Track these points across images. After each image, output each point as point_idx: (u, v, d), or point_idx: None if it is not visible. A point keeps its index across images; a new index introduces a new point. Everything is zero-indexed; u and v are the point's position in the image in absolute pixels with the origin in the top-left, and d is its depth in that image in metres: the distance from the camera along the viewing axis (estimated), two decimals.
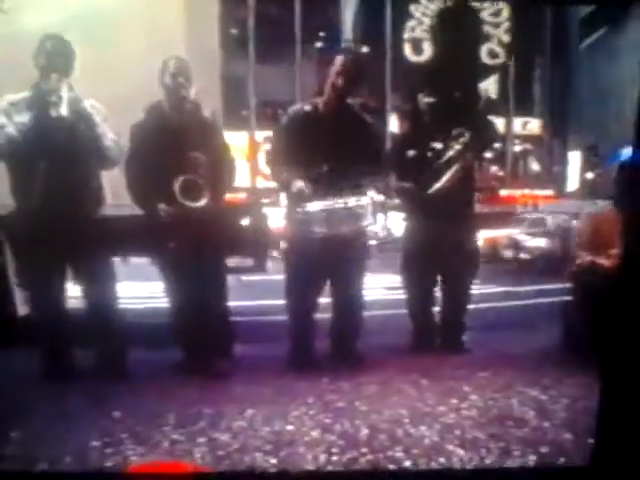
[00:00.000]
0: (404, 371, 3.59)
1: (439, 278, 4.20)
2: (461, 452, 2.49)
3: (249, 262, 5.66)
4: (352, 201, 3.50)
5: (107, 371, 3.47)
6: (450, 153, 3.97)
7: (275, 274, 4.39)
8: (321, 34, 19.88)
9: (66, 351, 3.53)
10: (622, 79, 18.33)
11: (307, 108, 3.66)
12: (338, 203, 3.49)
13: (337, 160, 3.51)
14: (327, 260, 3.59)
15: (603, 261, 3.81)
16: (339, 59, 3.61)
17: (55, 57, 3.32)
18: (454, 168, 3.96)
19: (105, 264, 3.57)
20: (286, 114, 3.72)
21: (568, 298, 4.12)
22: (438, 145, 4.00)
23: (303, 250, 3.59)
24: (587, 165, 19.43)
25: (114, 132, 3.47)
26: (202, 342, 3.58)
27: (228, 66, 18.00)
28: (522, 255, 12.67)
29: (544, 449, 2.50)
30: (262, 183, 14.93)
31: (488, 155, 4.15)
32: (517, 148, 21.10)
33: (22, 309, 4.00)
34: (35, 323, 3.53)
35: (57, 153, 3.28)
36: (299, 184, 3.49)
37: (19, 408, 2.89)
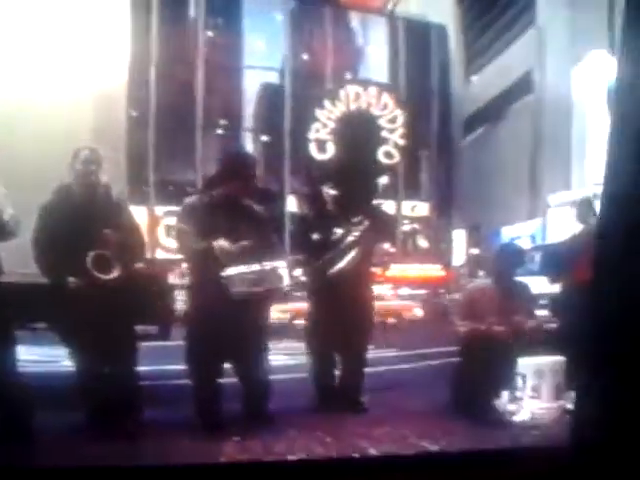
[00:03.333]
0: (310, 430, 3.80)
1: (339, 346, 4.52)
2: None
3: (154, 330, 5.73)
4: (268, 264, 3.81)
5: (11, 433, 3.44)
6: (350, 238, 4.42)
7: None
8: (222, 121, 20.63)
9: None
10: (499, 169, 20.44)
11: (204, 199, 4.00)
12: (255, 266, 3.77)
13: (233, 241, 3.79)
14: (234, 325, 3.76)
15: (480, 328, 4.27)
16: (232, 163, 4.03)
17: None
18: (354, 251, 4.41)
19: (4, 330, 3.61)
20: (186, 202, 4.03)
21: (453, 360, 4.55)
22: (340, 230, 4.45)
23: (212, 314, 3.76)
24: (471, 242, 21.03)
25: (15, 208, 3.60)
26: (109, 404, 3.67)
27: (132, 148, 18.24)
28: None
29: None
30: (162, 254, 15.24)
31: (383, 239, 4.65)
32: (406, 228, 22.53)
33: None
34: None
35: None
36: (222, 242, 3.73)
37: None
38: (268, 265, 3.82)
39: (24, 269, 4.07)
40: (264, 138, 21.21)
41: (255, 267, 3.76)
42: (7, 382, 3.56)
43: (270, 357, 4.11)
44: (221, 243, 3.74)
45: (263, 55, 21.32)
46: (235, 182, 3.93)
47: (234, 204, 3.96)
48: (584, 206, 5.33)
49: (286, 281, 3.93)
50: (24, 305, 3.87)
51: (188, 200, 4.05)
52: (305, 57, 21.91)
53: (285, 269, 3.93)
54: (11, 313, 3.66)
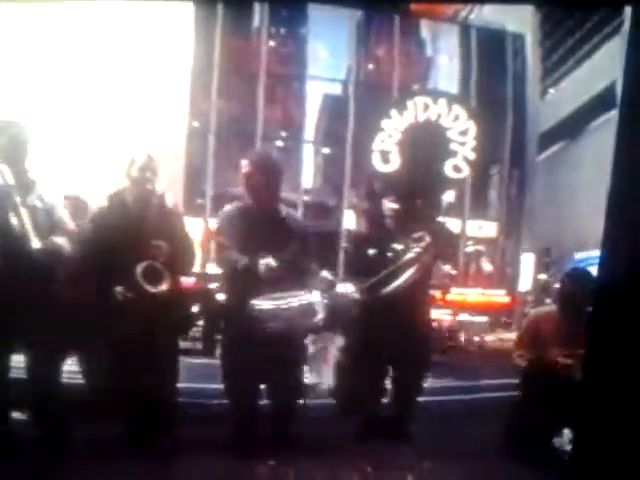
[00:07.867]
0: (350, 458, 3.58)
1: (391, 371, 4.21)
2: None
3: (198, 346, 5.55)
4: (303, 298, 3.57)
5: (51, 446, 3.38)
6: (410, 255, 4.09)
7: None
8: (282, 133, 20.63)
9: (5, 422, 3.44)
10: (575, 189, 19.38)
11: (241, 208, 3.81)
12: (289, 300, 3.54)
13: (268, 252, 3.58)
14: (269, 349, 3.54)
15: (544, 360, 3.90)
16: (250, 162, 3.77)
17: (12, 145, 3.38)
18: (413, 269, 4.06)
19: (53, 339, 3.50)
20: (223, 211, 3.87)
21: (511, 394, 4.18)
22: (399, 246, 4.12)
23: (247, 340, 3.56)
24: (540, 267, 20.06)
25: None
26: (147, 420, 3.57)
27: (191, 159, 18.44)
28: None
29: None
30: (213, 269, 15.23)
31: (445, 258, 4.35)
32: (470, 249, 21.74)
33: None
34: None
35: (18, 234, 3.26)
36: (268, 260, 3.53)
37: None
38: (305, 300, 3.58)
39: None
40: (325, 150, 21.08)
41: (291, 301, 3.54)
42: (48, 393, 3.49)
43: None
44: (267, 261, 3.53)
45: (327, 65, 21.20)
46: (261, 189, 3.73)
47: (271, 214, 3.77)
48: None
49: (320, 316, 3.63)
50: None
51: (225, 209, 3.89)
52: (371, 67, 21.66)
53: (321, 303, 3.63)
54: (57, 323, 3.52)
